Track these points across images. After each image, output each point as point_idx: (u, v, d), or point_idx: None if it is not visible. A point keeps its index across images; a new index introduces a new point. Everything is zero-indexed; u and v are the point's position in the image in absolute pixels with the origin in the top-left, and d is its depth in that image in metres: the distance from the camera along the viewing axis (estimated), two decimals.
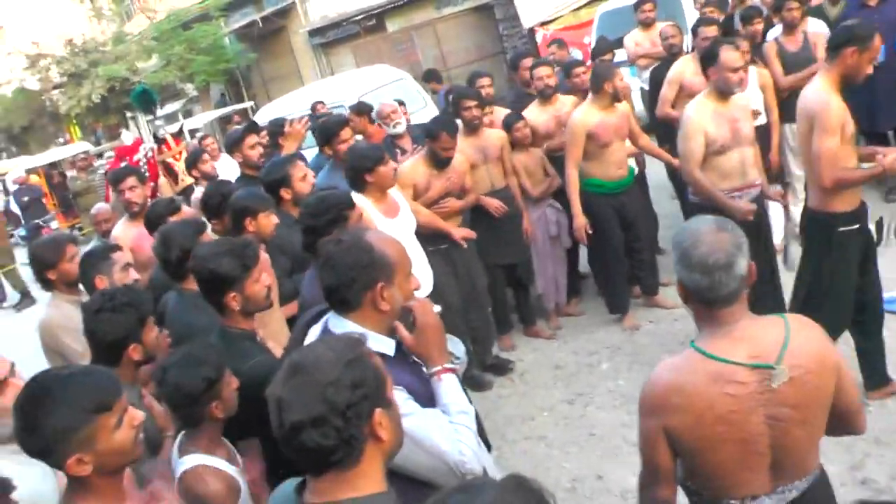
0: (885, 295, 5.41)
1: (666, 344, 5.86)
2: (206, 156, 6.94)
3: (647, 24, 8.38)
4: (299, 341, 2.54)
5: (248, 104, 21.78)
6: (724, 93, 4.97)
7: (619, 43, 8.68)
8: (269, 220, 4.18)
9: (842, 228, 4.25)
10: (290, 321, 3.77)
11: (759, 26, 6.99)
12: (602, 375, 5.72)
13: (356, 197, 4.69)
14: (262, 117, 13.27)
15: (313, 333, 2.53)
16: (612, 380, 5.62)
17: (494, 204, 6.01)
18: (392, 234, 4.56)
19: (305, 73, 22.03)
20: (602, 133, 5.94)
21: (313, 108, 9.36)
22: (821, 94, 4.12)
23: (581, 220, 6.02)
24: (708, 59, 5.04)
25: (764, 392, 2.24)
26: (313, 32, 21.24)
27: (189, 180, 6.81)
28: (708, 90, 5.04)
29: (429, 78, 11.66)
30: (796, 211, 6.78)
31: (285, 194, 4.62)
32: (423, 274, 5.09)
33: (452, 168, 5.69)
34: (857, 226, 4.29)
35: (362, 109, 7.14)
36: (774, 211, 6.45)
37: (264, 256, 3.53)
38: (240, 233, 4.05)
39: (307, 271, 3.69)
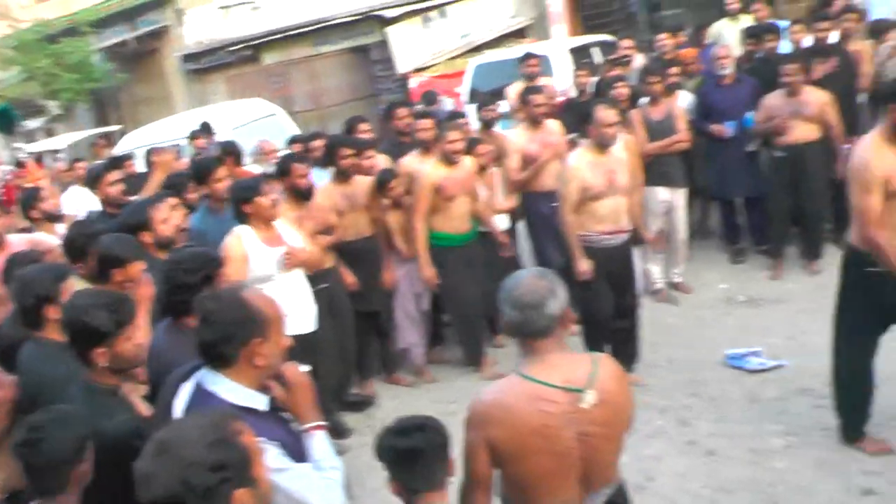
0: (731, 351, 5.90)
1: None
2: (44, 193, 6.28)
3: (531, 78, 8.66)
4: (169, 401, 2.58)
5: (117, 127, 21.13)
6: (602, 146, 5.53)
7: (496, 95, 8.98)
8: (136, 269, 3.99)
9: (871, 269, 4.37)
10: None
11: (623, 90, 7.40)
12: (461, 424, 5.85)
13: (240, 228, 4.98)
14: (129, 143, 13.01)
15: (184, 392, 2.57)
16: None
17: None
18: (273, 265, 4.77)
19: (177, 99, 21.60)
20: (448, 187, 6.22)
21: (194, 137, 9.35)
22: (864, 150, 4.30)
23: (429, 272, 6.27)
24: (586, 117, 5.68)
25: (575, 412, 2.63)
26: (187, 58, 20.89)
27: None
28: (588, 143, 5.64)
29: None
30: (654, 270, 7.25)
31: (146, 238, 4.56)
32: (307, 310, 5.21)
33: (316, 205, 5.82)
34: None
35: (229, 150, 7.20)
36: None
37: (142, 313, 3.51)
38: (106, 282, 3.94)
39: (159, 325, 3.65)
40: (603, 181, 5.57)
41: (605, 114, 5.52)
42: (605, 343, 6.02)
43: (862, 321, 4.58)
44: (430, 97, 10.44)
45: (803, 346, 6.08)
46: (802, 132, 7.09)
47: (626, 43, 8.95)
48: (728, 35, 9.95)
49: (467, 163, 6.37)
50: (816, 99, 7.07)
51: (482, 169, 6.70)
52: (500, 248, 6.47)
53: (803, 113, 7.06)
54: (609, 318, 5.92)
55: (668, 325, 6.81)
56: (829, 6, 8.60)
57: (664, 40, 8.73)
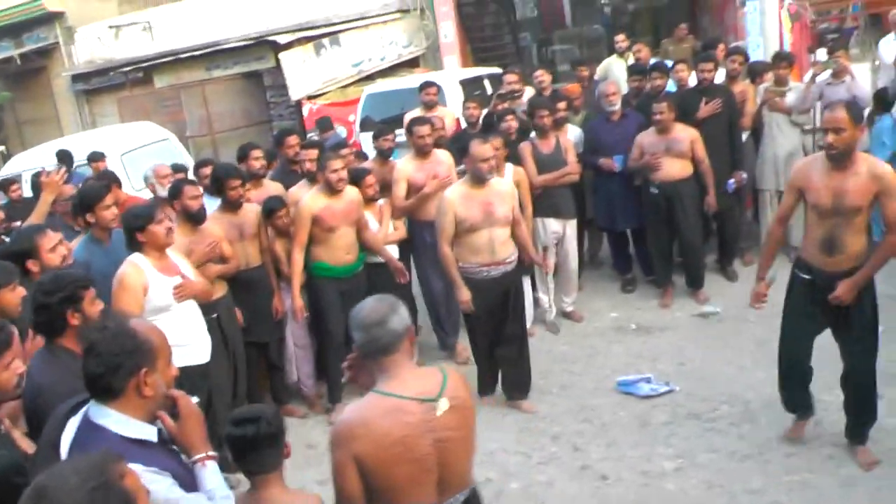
0: (622, 377, 6.06)
1: None
2: None
3: (429, 106, 8.74)
4: (55, 436, 2.51)
5: None
6: (477, 179, 5.62)
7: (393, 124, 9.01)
8: (13, 296, 3.77)
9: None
10: None
11: (513, 123, 7.55)
12: None
13: (135, 257, 4.82)
14: (15, 166, 12.54)
15: (71, 427, 2.51)
16: None
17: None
18: (170, 295, 4.63)
19: (65, 119, 20.94)
20: (328, 218, 6.10)
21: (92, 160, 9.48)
22: None
23: (298, 302, 6.16)
24: (462, 151, 5.81)
25: (431, 420, 2.81)
26: (76, 78, 20.29)
27: None
28: (466, 177, 5.75)
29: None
30: (544, 299, 7.37)
31: (33, 266, 4.32)
32: (201, 341, 5.08)
33: (208, 232, 5.70)
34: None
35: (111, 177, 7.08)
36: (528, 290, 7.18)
37: (17, 338, 3.37)
38: None
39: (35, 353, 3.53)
40: (478, 213, 5.69)
41: (480, 149, 5.63)
42: (491, 370, 6.22)
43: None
44: (323, 124, 10.42)
45: (692, 372, 6.28)
46: (674, 169, 7.34)
47: (511, 77, 9.10)
48: (617, 72, 10.28)
49: (351, 193, 6.25)
50: (687, 136, 7.34)
51: (371, 200, 6.68)
52: (396, 276, 6.41)
53: (674, 150, 7.32)
54: (488, 347, 6.10)
55: (560, 353, 6.92)
56: (713, 48, 8.96)
57: (541, 76, 8.91)
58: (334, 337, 6.24)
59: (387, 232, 6.77)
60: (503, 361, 6.16)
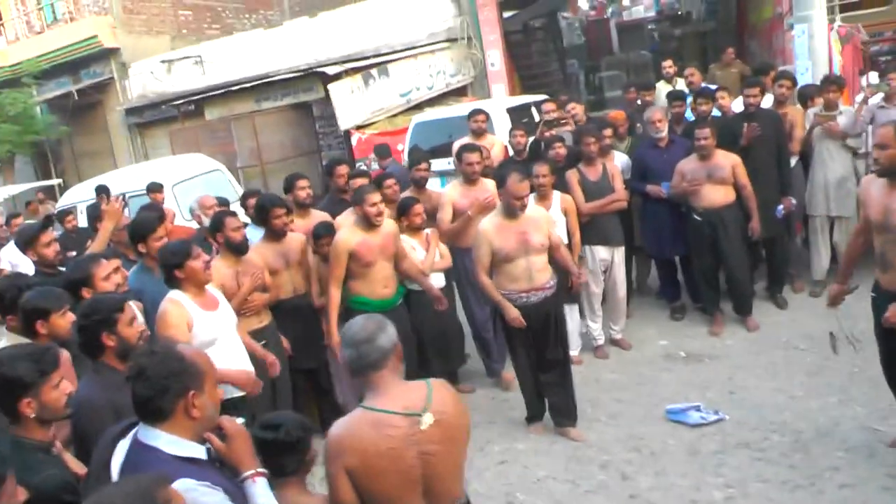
0: (671, 405, 6.00)
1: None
2: None
3: (478, 134, 8.79)
4: (106, 459, 2.58)
5: (55, 181, 20.81)
6: (511, 212, 5.70)
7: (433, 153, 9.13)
8: (63, 320, 3.97)
9: None
10: None
11: (561, 151, 7.55)
12: None
13: (175, 293, 4.80)
14: (71, 197, 12.84)
15: (122, 449, 2.58)
16: None
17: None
18: (214, 328, 4.69)
19: (119, 152, 21.44)
20: (365, 253, 6.03)
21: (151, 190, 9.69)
22: None
23: (336, 339, 5.83)
24: (499, 181, 5.78)
25: (415, 433, 2.95)
26: (130, 111, 20.79)
27: None
28: (499, 207, 5.81)
29: None
30: (593, 326, 7.34)
31: (86, 294, 4.44)
32: (244, 368, 5.12)
33: (252, 263, 5.77)
34: None
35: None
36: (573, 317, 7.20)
37: (66, 360, 3.48)
38: (31, 335, 3.92)
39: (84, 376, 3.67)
40: (514, 243, 5.72)
41: (516, 186, 5.63)
42: (538, 396, 6.22)
43: None
44: (382, 151, 10.45)
45: (742, 401, 6.18)
46: (717, 196, 7.30)
47: (550, 106, 9.09)
48: (664, 98, 10.23)
49: (388, 226, 6.19)
50: (728, 162, 7.28)
51: (418, 228, 6.72)
52: (434, 303, 6.41)
53: (716, 176, 7.26)
54: (532, 373, 6.12)
55: (609, 381, 6.87)
56: (766, 74, 8.89)
57: (573, 108, 8.89)
58: None
59: (433, 260, 6.79)
60: (547, 388, 6.14)
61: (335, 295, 6.04)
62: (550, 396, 6.17)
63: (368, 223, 6.03)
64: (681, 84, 10.57)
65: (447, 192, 7.12)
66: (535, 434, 6.12)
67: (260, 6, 24.74)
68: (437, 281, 6.80)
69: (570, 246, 6.98)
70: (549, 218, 6.09)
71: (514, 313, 5.76)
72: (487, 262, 5.80)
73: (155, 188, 9.85)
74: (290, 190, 7.02)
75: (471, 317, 7.22)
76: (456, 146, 8.58)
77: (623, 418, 6.23)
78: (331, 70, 15.41)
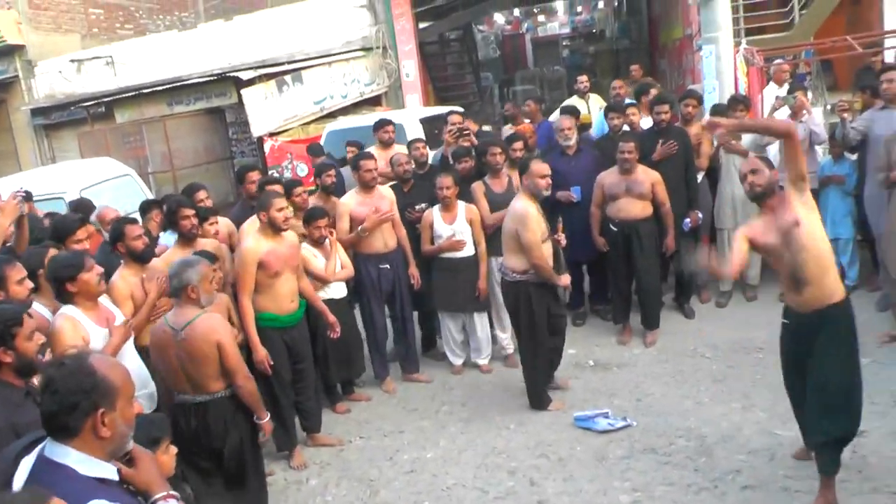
0: (579, 413, 6.10)
1: (375, 459, 6.07)
2: None
3: (386, 144, 8.86)
4: (8, 475, 2.42)
5: None
6: (534, 195, 6.23)
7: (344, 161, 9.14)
8: None
9: None
10: None
11: (468, 164, 7.64)
12: (310, 492, 5.80)
13: (67, 309, 4.58)
14: None
15: (26, 465, 2.43)
16: (321, 496, 5.72)
17: None
18: (106, 346, 4.58)
19: (24, 154, 20.68)
20: (273, 262, 5.87)
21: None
22: None
23: (261, 352, 5.77)
24: (522, 169, 6.42)
25: (175, 340, 4.61)
26: (36, 112, 20.09)
27: None
28: (520, 193, 6.36)
29: None
30: (502, 336, 7.41)
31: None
32: (145, 389, 4.99)
33: (156, 269, 5.60)
34: None
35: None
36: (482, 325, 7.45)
37: None
38: None
39: None
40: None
41: (539, 166, 6.26)
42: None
43: None
44: (315, 149, 10.36)
45: (649, 408, 6.33)
46: (635, 209, 7.46)
47: (455, 118, 9.18)
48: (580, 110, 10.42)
49: (291, 237, 6.10)
50: (648, 178, 7.45)
51: (321, 239, 6.68)
52: (329, 330, 6.34)
53: (635, 191, 7.43)
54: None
55: (518, 389, 6.90)
56: (645, 94, 9.26)
57: (455, 120, 9.01)
58: (284, 386, 6.05)
59: (335, 268, 6.75)
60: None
61: (248, 306, 5.84)
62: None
63: (275, 230, 5.89)
64: (594, 99, 10.78)
65: (344, 202, 7.14)
66: (444, 442, 6.18)
67: (174, 7, 24.28)
68: (339, 290, 6.79)
69: (476, 256, 7.09)
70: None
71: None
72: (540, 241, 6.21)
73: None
74: (189, 198, 6.82)
75: (373, 323, 7.22)
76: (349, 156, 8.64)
77: (532, 425, 6.29)
78: (244, 75, 15.22)
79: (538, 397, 6.53)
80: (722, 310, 8.10)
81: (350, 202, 7.09)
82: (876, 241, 7.34)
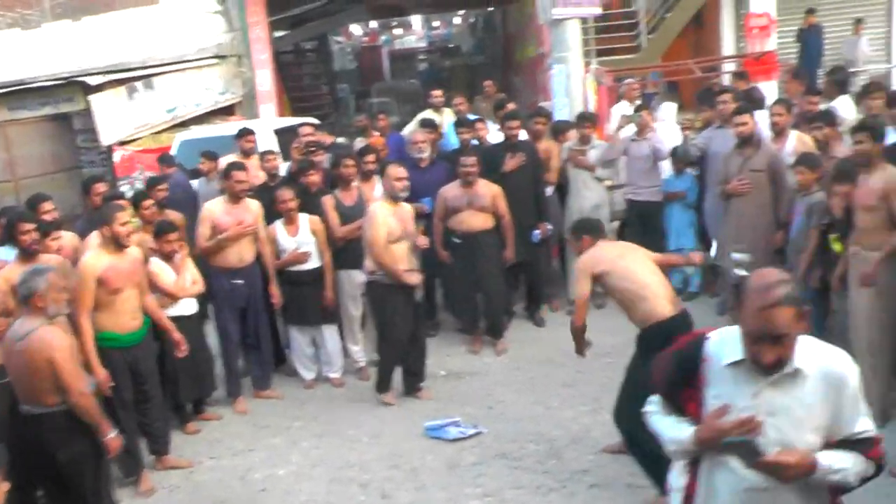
0: (430, 422, 6.15)
1: (226, 480, 5.98)
2: None
3: (248, 154, 8.80)
4: None
5: None
6: (392, 198, 6.57)
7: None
8: None
9: None
10: None
11: (315, 178, 7.66)
12: None
13: None
14: None
15: None
16: None
17: None
18: None
19: None
20: (113, 278, 5.61)
21: None
22: None
23: (101, 373, 5.46)
24: (381, 172, 6.83)
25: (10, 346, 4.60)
26: None
27: None
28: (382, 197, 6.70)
29: None
30: (353, 349, 7.41)
31: None
32: None
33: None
34: None
35: None
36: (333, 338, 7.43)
37: None
38: None
39: None
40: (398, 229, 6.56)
41: (394, 169, 6.59)
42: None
43: None
44: (167, 159, 9.93)
45: (501, 415, 6.47)
46: (476, 221, 7.64)
47: (307, 130, 9.13)
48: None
49: (133, 252, 5.85)
50: (489, 192, 7.65)
51: (170, 255, 6.48)
52: (175, 348, 6.13)
53: (476, 204, 7.61)
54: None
55: (371, 401, 6.92)
56: (502, 108, 9.56)
57: (305, 132, 9.02)
58: (127, 408, 5.80)
59: (184, 284, 6.54)
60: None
61: (86, 325, 5.51)
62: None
63: (117, 245, 5.64)
64: (448, 114, 10.93)
65: (208, 208, 7.00)
66: (297, 457, 6.16)
67: (17, 4, 23.14)
68: (189, 307, 6.61)
69: (322, 267, 7.14)
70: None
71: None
72: (385, 240, 6.44)
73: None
74: (34, 212, 6.47)
75: (223, 340, 7.08)
76: (222, 163, 8.45)
77: (384, 437, 6.32)
78: (93, 80, 14.66)
79: (382, 381, 6.85)
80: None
81: (215, 209, 6.93)
82: (715, 249, 7.76)
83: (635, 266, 5.08)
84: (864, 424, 2.61)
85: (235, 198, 6.92)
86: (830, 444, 2.59)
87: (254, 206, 7.02)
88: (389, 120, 10.76)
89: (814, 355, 2.57)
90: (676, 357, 2.80)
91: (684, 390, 2.74)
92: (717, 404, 2.60)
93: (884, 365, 5.60)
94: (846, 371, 2.58)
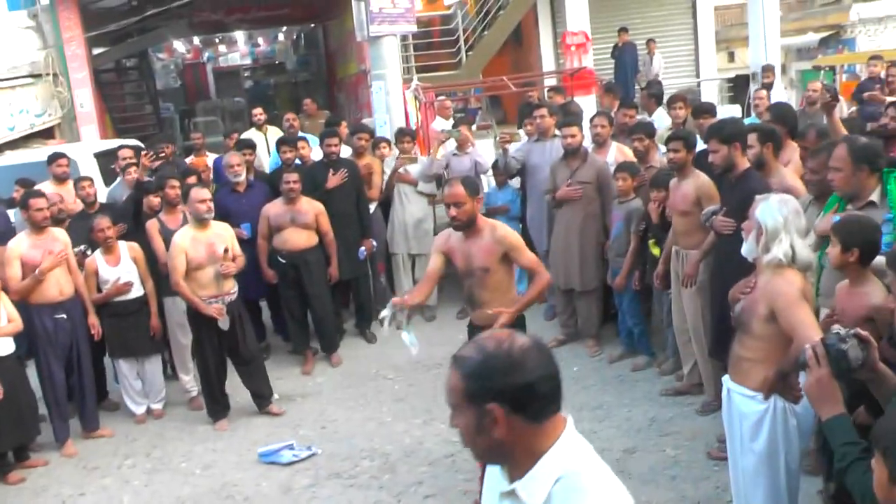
0: (263, 448, 6.08)
1: None
2: None
3: (61, 179, 8.44)
4: None
5: None
6: (197, 221, 6.52)
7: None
8: None
9: None
10: None
11: (156, 200, 7.44)
12: None
13: None
14: None
15: None
16: None
17: None
18: None
19: None
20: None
21: None
22: None
23: None
24: (185, 197, 6.74)
25: None
26: None
27: None
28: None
29: None
30: (185, 378, 7.25)
31: None
32: None
33: None
34: None
35: None
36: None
37: None
38: None
39: None
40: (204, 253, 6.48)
41: (198, 192, 6.49)
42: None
43: None
44: (26, 183, 9.26)
45: (334, 434, 6.49)
46: (300, 239, 7.67)
47: (126, 153, 8.90)
48: (257, 143, 10.43)
49: None
50: (311, 209, 7.71)
51: None
52: None
53: (299, 221, 7.65)
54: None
55: (202, 432, 6.78)
56: (337, 125, 9.59)
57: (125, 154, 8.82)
58: None
59: None
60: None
61: None
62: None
63: None
64: (273, 132, 10.82)
65: (13, 246, 6.53)
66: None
67: None
68: (5, 347, 6.21)
69: (146, 295, 7.02)
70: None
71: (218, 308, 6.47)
72: (183, 269, 6.43)
73: None
74: None
75: (48, 382, 6.66)
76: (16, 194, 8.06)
77: (217, 468, 6.19)
78: None
79: (210, 408, 6.89)
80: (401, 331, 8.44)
81: (20, 246, 6.50)
82: (540, 258, 8.03)
83: None
84: None
85: (38, 228, 6.54)
86: None
87: (61, 235, 6.69)
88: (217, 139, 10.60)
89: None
90: None
91: None
92: None
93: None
94: None
